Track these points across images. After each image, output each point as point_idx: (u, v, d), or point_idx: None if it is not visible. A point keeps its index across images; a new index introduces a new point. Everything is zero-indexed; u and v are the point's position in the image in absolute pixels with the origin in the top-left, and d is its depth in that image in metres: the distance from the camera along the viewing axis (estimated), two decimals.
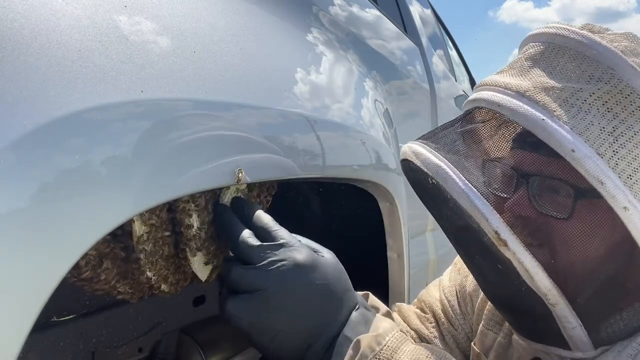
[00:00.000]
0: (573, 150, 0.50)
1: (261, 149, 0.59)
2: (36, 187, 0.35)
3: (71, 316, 0.62)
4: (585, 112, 0.51)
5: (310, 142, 0.69)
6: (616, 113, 0.51)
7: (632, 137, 0.50)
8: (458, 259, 0.92)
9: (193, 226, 0.58)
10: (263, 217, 0.58)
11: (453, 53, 3.34)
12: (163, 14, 0.53)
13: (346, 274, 0.61)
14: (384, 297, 1.05)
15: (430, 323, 0.88)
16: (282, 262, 0.52)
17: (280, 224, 0.58)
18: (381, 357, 0.51)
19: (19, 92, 0.35)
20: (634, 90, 0.51)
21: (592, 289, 0.56)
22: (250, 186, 0.66)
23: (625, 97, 0.51)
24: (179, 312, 0.77)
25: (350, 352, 0.51)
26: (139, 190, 0.43)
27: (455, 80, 2.75)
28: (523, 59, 0.59)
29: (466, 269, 0.86)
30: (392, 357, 0.51)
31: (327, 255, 0.59)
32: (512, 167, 0.58)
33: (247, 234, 0.55)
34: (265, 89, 0.64)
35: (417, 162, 0.59)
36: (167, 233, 0.57)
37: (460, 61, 3.60)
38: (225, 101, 0.55)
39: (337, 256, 0.61)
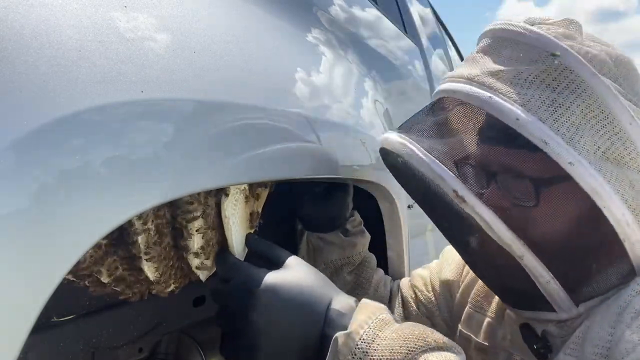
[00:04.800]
0: (517, 119, 0.57)
1: (261, 149, 0.59)
2: (36, 187, 0.35)
3: (71, 316, 0.62)
4: (527, 88, 0.59)
5: (310, 142, 0.69)
6: (553, 87, 0.58)
7: (569, 106, 0.57)
8: (443, 252, 0.97)
9: (193, 226, 0.58)
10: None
11: (453, 53, 3.34)
12: (163, 14, 0.53)
13: (313, 270, 0.61)
14: None
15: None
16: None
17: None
18: (357, 353, 0.51)
19: (19, 92, 0.35)
20: (566, 67, 0.58)
21: (556, 241, 0.60)
22: (251, 186, 0.66)
23: (560, 73, 0.58)
24: (179, 312, 0.77)
25: (329, 353, 0.53)
26: (139, 191, 0.43)
27: None
28: (475, 52, 0.67)
29: (449, 258, 0.93)
30: (369, 348, 0.52)
31: (287, 259, 0.61)
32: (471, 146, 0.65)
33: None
34: (265, 89, 0.64)
35: (386, 146, 0.67)
36: (167, 233, 0.57)
37: (460, 61, 3.60)
38: (225, 101, 0.55)
39: None
